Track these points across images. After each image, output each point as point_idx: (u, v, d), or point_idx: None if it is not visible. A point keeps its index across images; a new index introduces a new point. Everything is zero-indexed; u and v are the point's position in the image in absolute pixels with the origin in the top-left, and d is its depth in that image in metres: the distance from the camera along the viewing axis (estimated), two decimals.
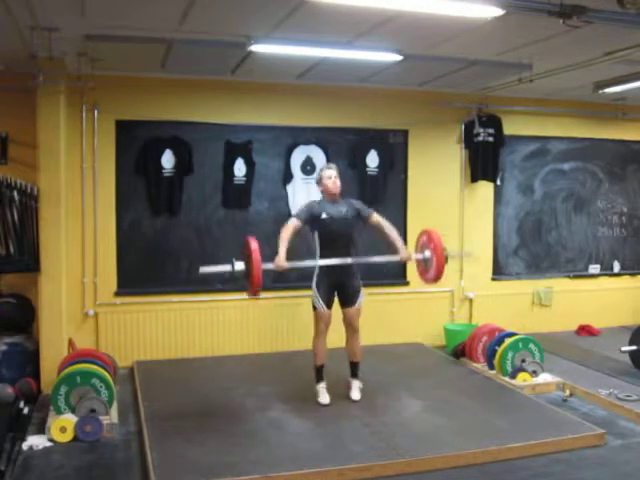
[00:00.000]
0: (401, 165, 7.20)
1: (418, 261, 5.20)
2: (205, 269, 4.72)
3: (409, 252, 5.16)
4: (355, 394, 5.20)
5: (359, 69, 6.04)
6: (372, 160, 7.02)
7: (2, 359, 5.46)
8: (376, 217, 5.16)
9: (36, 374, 5.54)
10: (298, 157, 6.83)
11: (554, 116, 7.61)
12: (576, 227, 7.96)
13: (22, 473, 3.90)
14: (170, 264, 6.54)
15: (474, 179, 7.35)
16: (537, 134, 7.64)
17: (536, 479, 3.95)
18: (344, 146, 6.96)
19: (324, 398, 5.09)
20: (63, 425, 4.38)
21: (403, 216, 7.05)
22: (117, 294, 6.35)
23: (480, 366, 6.10)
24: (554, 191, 7.82)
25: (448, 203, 7.30)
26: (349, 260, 4.98)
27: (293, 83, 6.58)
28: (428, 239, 5.09)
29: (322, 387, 5.17)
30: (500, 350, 5.78)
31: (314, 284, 5.08)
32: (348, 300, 5.12)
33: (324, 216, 5.02)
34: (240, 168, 6.62)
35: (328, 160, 6.82)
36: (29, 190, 5.44)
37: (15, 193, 5.38)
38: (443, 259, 4.94)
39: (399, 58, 5.41)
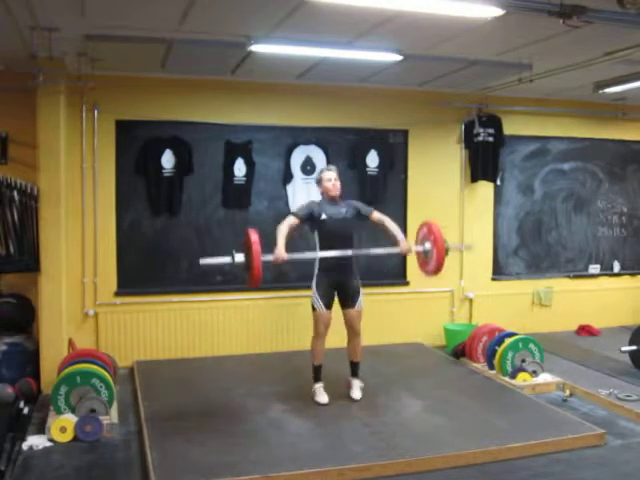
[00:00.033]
0: (401, 165, 7.20)
1: (418, 253, 5.18)
2: (206, 261, 4.73)
3: (409, 244, 5.16)
4: (356, 393, 5.21)
5: (359, 69, 6.04)
6: (372, 160, 7.02)
7: (2, 359, 5.46)
8: (377, 214, 5.18)
9: (36, 374, 5.54)
10: (298, 157, 6.83)
11: (554, 116, 7.61)
12: (576, 227, 7.96)
13: (22, 473, 3.90)
14: (170, 264, 6.55)
15: (474, 179, 7.35)
16: (537, 134, 7.64)
17: (536, 479, 3.95)
18: (344, 146, 6.96)
19: (322, 398, 5.10)
20: (63, 425, 4.38)
21: (403, 216, 7.05)
22: (117, 294, 6.35)
23: (480, 366, 6.10)
24: (554, 191, 7.82)
25: (448, 203, 7.30)
26: (349, 252, 4.96)
27: (293, 83, 6.58)
28: (428, 231, 5.07)
29: (319, 387, 5.17)
30: (500, 350, 5.78)
31: (314, 284, 5.08)
32: (348, 300, 5.11)
33: (324, 217, 5.03)
34: (240, 168, 6.62)
35: (328, 160, 6.83)
36: (29, 190, 5.44)
37: (15, 193, 5.38)
38: (443, 251, 4.91)
39: (399, 58, 5.41)
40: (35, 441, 4.31)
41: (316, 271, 5.08)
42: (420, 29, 4.66)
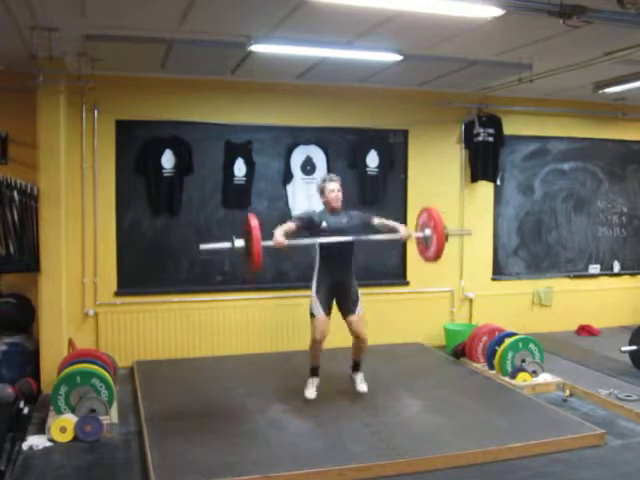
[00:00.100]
0: (401, 165, 7.20)
1: (418, 239, 5.17)
2: (206, 246, 4.72)
3: (409, 230, 5.16)
4: (362, 386, 5.24)
5: (359, 69, 6.04)
6: (372, 160, 7.02)
7: (2, 359, 5.46)
8: (376, 219, 5.18)
9: (36, 374, 5.54)
10: (298, 157, 6.83)
11: (554, 116, 7.61)
12: (576, 227, 7.96)
13: (22, 473, 3.90)
14: (170, 264, 6.55)
15: (474, 179, 7.35)
16: (537, 134, 7.64)
17: (536, 479, 3.95)
18: (344, 146, 6.96)
19: (310, 393, 5.14)
20: (63, 425, 4.38)
21: (403, 216, 7.03)
22: (117, 294, 6.35)
23: (480, 366, 6.10)
24: (554, 191, 7.82)
25: (448, 203, 7.29)
26: (350, 238, 4.96)
27: (293, 83, 6.58)
28: (428, 217, 5.05)
29: (312, 382, 5.19)
30: (500, 350, 5.78)
31: (314, 289, 5.08)
32: (349, 307, 5.10)
33: (325, 226, 5.03)
34: (240, 168, 6.62)
35: (328, 160, 6.84)
36: (29, 190, 5.44)
37: (15, 193, 5.39)
38: (443, 237, 4.88)
39: (399, 58, 5.41)
40: (35, 441, 4.32)
41: (315, 277, 5.09)
42: (420, 29, 4.66)
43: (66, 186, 5.68)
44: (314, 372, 5.22)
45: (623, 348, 6.08)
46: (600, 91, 6.69)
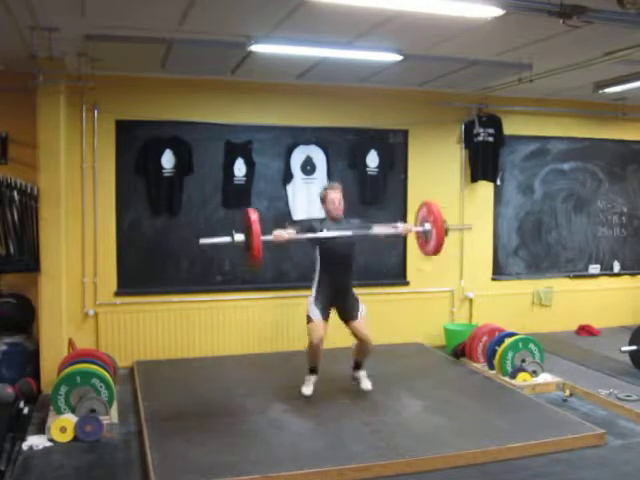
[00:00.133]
0: (401, 165, 7.20)
1: (418, 234, 5.18)
2: (205, 240, 4.72)
3: (408, 225, 5.19)
4: (366, 383, 5.27)
5: (359, 69, 6.04)
6: (372, 160, 7.02)
7: (2, 359, 5.46)
8: (376, 228, 5.18)
9: (36, 374, 5.54)
10: (298, 157, 6.82)
11: (554, 116, 7.61)
12: (576, 227, 7.96)
13: (22, 473, 3.90)
14: (170, 264, 6.55)
15: (474, 179, 7.35)
16: (537, 134, 7.63)
17: (536, 479, 3.95)
18: (344, 146, 6.96)
19: (307, 390, 5.15)
20: (63, 425, 4.38)
21: (403, 216, 7.03)
22: (117, 294, 6.35)
23: (480, 366, 6.10)
24: (554, 191, 7.82)
25: (448, 203, 7.26)
26: (349, 233, 4.98)
27: (293, 83, 6.58)
28: (428, 211, 5.05)
29: (309, 379, 5.20)
30: (500, 350, 5.78)
31: (312, 297, 5.10)
32: (349, 311, 5.12)
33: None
34: (240, 168, 6.62)
35: (328, 160, 6.84)
36: (29, 190, 5.44)
37: (15, 193, 5.39)
38: (443, 231, 4.89)
39: (399, 58, 5.41)
40: (35, 441, 4.32)
41: (315, 286, 5.11)
42: (420, 29, 4.66)
43: (66, 186, 5.68)
44: (313, 371, 5.23)
45: (623, 348, 6.08)
46: (600, 91, 6.69)
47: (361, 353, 5.26)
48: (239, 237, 4.57)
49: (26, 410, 4.95)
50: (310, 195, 6.72)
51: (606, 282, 8.06)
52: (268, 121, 6.69)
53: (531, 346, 5.81)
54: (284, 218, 6.43)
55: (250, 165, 6.64)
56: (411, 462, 4.03)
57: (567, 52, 5.25)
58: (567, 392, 5.42)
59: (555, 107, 7.52)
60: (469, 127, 7.29)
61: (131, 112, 6.26)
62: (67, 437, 4.36)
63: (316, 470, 3.89)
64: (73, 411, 4.59)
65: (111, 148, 6.28)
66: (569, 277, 7.91)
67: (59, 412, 4.61)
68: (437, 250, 4.99)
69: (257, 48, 5.02)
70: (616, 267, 8.14)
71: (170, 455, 4.08)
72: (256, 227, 4.44)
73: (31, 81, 5.40)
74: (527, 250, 7.76)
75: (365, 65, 5.80)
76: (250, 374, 6.00)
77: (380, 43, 5.11)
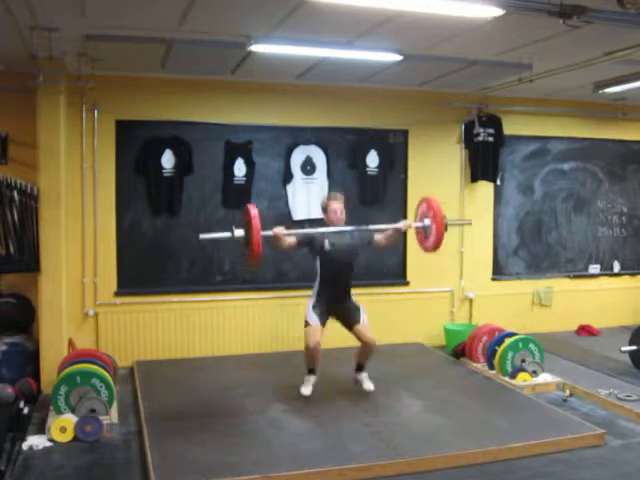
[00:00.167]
0: (401, 165, 7.20)
1: (418, 229, 5.17)
2: (205, 235, 4.71)
3: (407, 221, 5.19)
4: (368, 385, 5.26)
5: (359, 69, 6.04)
6: (372, 160, 7.02)
7: (2, 359, 5.46)
8: (377, 235, 5.19)
9: (36, 374, 5.54)
10: (298, 157, 6.82)
11: (554, 116, 7.61)
12: (576, 227, 7.96)
13: (22, 473, 3.90)
14: (170, 264, 6.55)
15: (474, 179, 7.35)
16: (537, 134, 7.64)
17: (536, 479, 3.95)
18: (344, 146, 6.96)
19: (306, 390, 5.14)
20: (63, 425, 4.38)
21: (403, 216, 7.01)
22: (117, 294, 6.35)
23: (480, 366, 6.10)
24: (554, 191, 7.82)
25: (448, 203, 7.25)
26: (349, 228, 4.97)
27: (293, 83, 6.58)
28: (428, 207, 5.04)
29: (308, 379, 5.19)
30: (500, 350, 5.78)
31: (311, 304, 5.11)
32: (351, 316, 5.13)
33: (327, 244, 5.03)
34: (240, 168, 6.62)
35: (328, 160, 6.84)
36: (29, 190, 5.45)
37: (15, 193, 5.39)
38: (443, 227, 4.88)
39: (399, 58, 5.41)
40: (35, 441, 4.32)
41: (315, 294, 5.12)
42: (420, 29, 4.66)
43: (66, 186, 5.68)
44: (311, 371, 5.23)
45: (623, 348, 6.08)
46: (600, 91, 6.69)
47: (364, 355, 5.26)
48: (239, 232, 4.57)
49: (26, 410, 4.94)
50: (310, 195, 6.73)
51: (606, 282, 8.06)
52: (268, 121, 6.69)
53: (531, 346, 5.81)
54: (284, 218, 6.45)
55: (250, 165, 6.64)
56: (411, 462, 4.03)
57: (567, 52, 5.25)
58: (567, 392, 5.42)
59: (555, 107, 7.52)
60: (469, 127, 7.29)
61: (131, 112, 6.26)
62: (67, 437, 4.36)
63: (316, 470, 3.88)
64: (73, 411, 4.59)
65: (111, 148, 6.28)
66: (569, 277, 7.91)
67: (59, 412, 4.61)
68: (437, 246, 4.98)
69: (257, 48, 5.02)
70: (616, 267, 8.14)
71: (170, 455, 4.08)
72: (256, 222, 4.43)
73: (31, 81, 5.40)
74: (527, 250, 7.76)
75: (365, 65, 5.80)
76: (250, 374, 6.00)
77: (380, 43, 5.11)
